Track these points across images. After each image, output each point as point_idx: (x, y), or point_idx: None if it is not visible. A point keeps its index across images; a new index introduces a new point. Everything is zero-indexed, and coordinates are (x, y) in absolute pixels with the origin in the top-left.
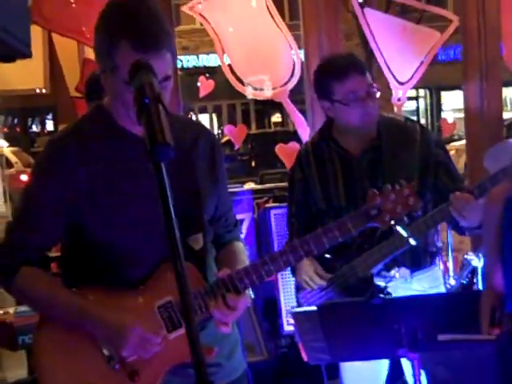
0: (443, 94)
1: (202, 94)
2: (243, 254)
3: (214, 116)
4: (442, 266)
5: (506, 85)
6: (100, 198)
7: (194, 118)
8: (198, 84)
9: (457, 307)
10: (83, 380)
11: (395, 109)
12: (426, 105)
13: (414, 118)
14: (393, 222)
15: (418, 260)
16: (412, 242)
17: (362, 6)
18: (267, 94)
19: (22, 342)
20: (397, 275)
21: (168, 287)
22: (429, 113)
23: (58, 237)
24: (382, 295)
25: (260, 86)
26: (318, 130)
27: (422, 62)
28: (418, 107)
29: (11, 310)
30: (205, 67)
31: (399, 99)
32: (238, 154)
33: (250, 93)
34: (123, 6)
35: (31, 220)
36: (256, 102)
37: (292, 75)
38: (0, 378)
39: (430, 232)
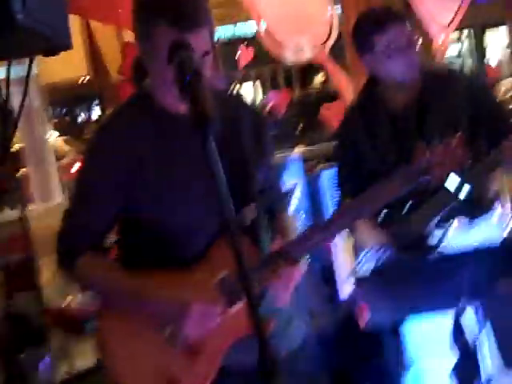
0: (487, 33)
1: (242, 63)
2: (293, 224)
3: (257, 83)
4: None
5: None
6: (151, 178)
7: (237, 87)
8: (238, 53)
9: None
10: (148, 363)
11: (438, 54)
12: (470, 46)
13: (459, 61)
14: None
15: (474, 208)
16: (466, 188)
17: None
18: (307, 55)
19: (88, 329)
20: (455, 224)
21: (224, 262)
22: (474, 55)
23: (114, 220)
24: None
25: (299, 47)
26: (362, 88)
27: (462, 2)
28: (461, 49)
29: (76, 298)
30: (242, 37)
31: (442, 43)
32: (285, 119)
33: (290, 56)
34: None
35: (87, 204)
36: (298, 65)
37: (330, 32)
38: (68, 365)
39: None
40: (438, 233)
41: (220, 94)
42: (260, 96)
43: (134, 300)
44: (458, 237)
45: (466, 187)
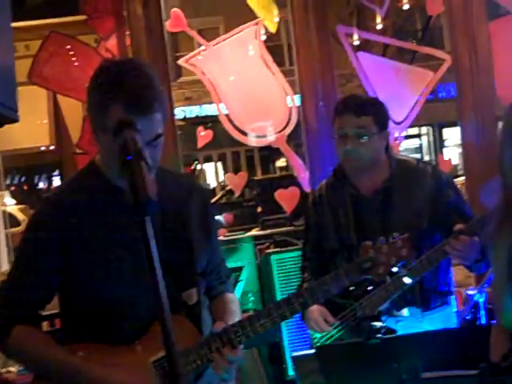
0: (445, 130)
1: (200, 144)
2: (236, 305)
3: (219, 164)
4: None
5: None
6: (89, 253)
7: (198, 167)
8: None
9: (458, 342)
10: None
11: (395, 148)
12: (429, 142)
13: (418, 155)
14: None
15: (427, 299)
16: (407, 281)
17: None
18: (270, 139)
19: None
20: (406, 314)
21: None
22: (432, 149)
23: (52, 291)
24: (379, 335)
25: (262, 132)
26: (332, 171)
27: (416, 102)
28: (420, 144)
29: (13, 369)
30: (207, 116)
31: (396, 139)
32: (244, 201)
33: (252, 140)
34: (115, 68)
35: (24, 278)
36: (260, 148)
37: (289, 121)
38: None
39: (439, 270)
40: (390, 319)
41: (171, 174)
42: (221, 177)
43: (66, 377)
44: (411, 326)
45: (407, 277)
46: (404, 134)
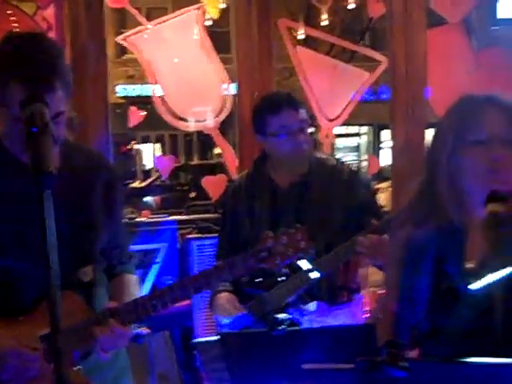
0: (384, 131)
1: (131, 123)
2: (134, 286)
3: (157, 146)
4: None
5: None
6: None
7: (136, 147)
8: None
9: (361, 338)
10: None
11: (324, 145)
12: (368, 141)
13: (356, 154)
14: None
15: (334, 295)
16: (315, 275)
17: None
18: (208, 124)
19: None
20: (313, 309)
21: None
22: (371, 149)
23: None
24: (283, 326)
25: (202, 117)
26: (253, 163)
27: (350, 101)
28: (359, 143)
29: None
30: (149, 96)
31: (327, 136)
32: (178, 185)
33: (187, 125)
34: (17, 43)
35: None
36: (199, 133)
37: (223, 108)
38: None
39: (348, 268)
40: (296, 313)
41: (80, 149)
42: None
43: None
44: (316, 320)
45: (315, 271)
46: (344, 132)
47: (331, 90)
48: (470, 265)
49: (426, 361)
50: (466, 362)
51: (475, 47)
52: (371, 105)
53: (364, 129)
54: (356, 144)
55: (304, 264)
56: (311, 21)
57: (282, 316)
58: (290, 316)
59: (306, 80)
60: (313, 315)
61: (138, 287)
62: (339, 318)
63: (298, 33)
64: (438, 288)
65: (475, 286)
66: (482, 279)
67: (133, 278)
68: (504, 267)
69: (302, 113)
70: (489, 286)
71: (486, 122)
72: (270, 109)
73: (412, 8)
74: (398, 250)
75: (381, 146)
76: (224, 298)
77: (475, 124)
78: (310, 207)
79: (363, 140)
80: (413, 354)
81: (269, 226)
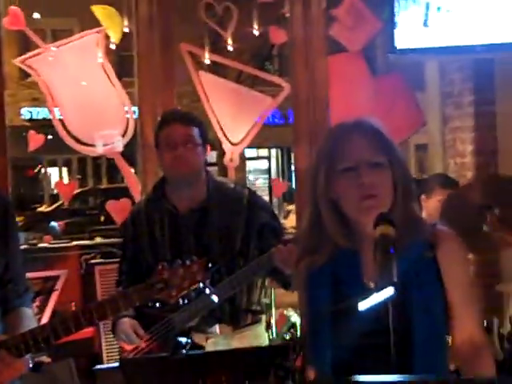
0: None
1: (31, 147)
2: (30, 320)
3: (64, 169)
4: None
5: None
6: None
7: (42, 171)
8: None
9: (261, 360)
10: None
11: (229, 170)
12: (278, 164)
13: (266, 176)
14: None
15: (237, 317)
16: (215, 299)
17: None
18: (99, 151)
19: None
20: (217, 331)
21: None
22: (280, 172)
23: None
24: (184, 350)
25: (110, 141)
26: (152, 188)
27: (254, 125)
28: (269, 166)
29: None
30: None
31: (231, 159)
32: (88, 209)
33: (83, 149)
34: None
35: None
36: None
37: (126, 132)
38: None
39: (252, 290)
40: (200, 336)
41: None
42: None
43: None
44: (221, 343)
45: (214, 295)
46: (255, 155)
47: (234, 114)
48: (370, 284)
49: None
50: (360, 382)
51: (374, 74)
52: (281, 128)
53: (274, 151)
54: (267, 167)
55: (206, 288)
56: (218, 46)
57: (183, 339)
58: (195, 340)
59: (209, 104)
60: (217, 338)
61: (34, 321)
62: (243, 341)
63: (205, 58)
64: (335, 309)
65: (363, 305)
66: (369, 299)
67: (28, 312)
68: (387, 287)
69: (192, 130)
70: (379, 305)
71: (353, 148)
72: (160, 123)
73: (312, 35)
74: (300, 281)
75: (292, 168)
76: (126, 323)
77: (342, 152)
78: (210, 232)
79: (273, 163)
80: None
81: (170, 250)
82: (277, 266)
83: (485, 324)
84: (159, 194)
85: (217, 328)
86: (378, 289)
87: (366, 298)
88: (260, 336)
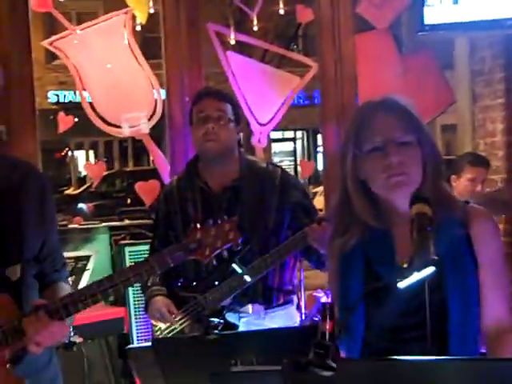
0: (320, 136)
1: (60, 129)
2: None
3: (90, 152)
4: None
5: None
6: None
7: (69, 153)
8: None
9: (296, 340)
10: None
11: (257, 150)
12: (303, 146)
13: (292, 159)
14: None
15: (270, 297)
16: (248, 279)
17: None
18: (144, 130)
19: None
20: (250, 311)
21: None
22: (306, 154)
23: None
24: (216, 331)
25: (136, 123)
26: (185, 166)
27: (281, 105)
28: (295, 148)
29: None
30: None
31: (259, 140)
32: (114, 192)
33: (119, 130)
34: None
35: None
36: (134, 138)
37: (154, 113)
38: None
39: (284, 270)
40: (233, 315)
41: (6, 159)
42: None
43: None
44: (253, 322)
45: (248, 275)
46: (280, 136)
47: (262, 94)
48: (403, 264)
49: (354, 360)
50: (395, 360)
51: (403, 51)
52: (306, 109)
53: (300, 133)
54: (292, 149)
55: (238, 267)
56: (243, 26)
57: (216, 320)
58: (228, 319)
59: (237, 85)
60: (250, 317)
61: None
62: (276, 320)
63: (231, 37)
64: (370, 289)
65: (402, 284)
66: (409, 278)
67: (66, 287)
68: (427, 266)
69: (225, 105)
70: (415, 284)
71: (380, 127)
72: (194, 99)
73: (339, 14)
74: (333, 262)
75: (318, 150)
76: (159, 301)
77: (369, 132)
78: (243, 210)
79: (299, 144)
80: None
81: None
82: (311, 244)
83: None
84: (192, 171)
85: (249, 307)
86: (414, 268)
87: (401, 277)
88: (292, 316)
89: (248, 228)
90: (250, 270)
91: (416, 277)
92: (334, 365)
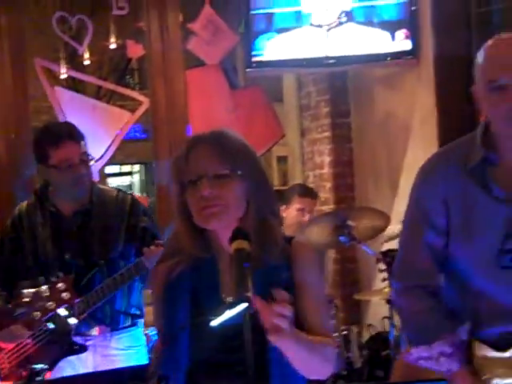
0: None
1: None
2: None
3: None
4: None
5: None
6: None
7: None
8: None
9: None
10: None
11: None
12: (141, 179)
13: (129, 193)
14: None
15: (117, 320)
16: (71, 321)
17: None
18: None
19: None
20: (95, 333)
21: None
22: (144, 187)
23: None
24: (38, 378)
25: None
26: (34, 191)
27: (113, 140)
28: (132, 182)
29: None
30: None
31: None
32: None
33: None
34: None
35: None
36: None
37: None
38: None
39: (131, 293)
40: (79, 338)
41: None
42: None
43: None
44: (99, 344)
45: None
46: (117, 171)
47: (92, 130)
48: (227, 298)
49: None
50: None
51: (233, 87)
52: (143, 143)
53: (137, 167)
54: (129, 183)
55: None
56: (77, 59)
57: (39, 366)
58: (46, 366)
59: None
60: (96, 340)
61: None
62: (122, 342)
63: (61, 72)
64: (192, 322)
65: (215, 322)
66: (223, 315)
67: None
68: (241, 303)
69: (83, 145)
70: (236, 320)
71: (196, 161)
72: (51, 141)
73: (169, 49)
74: (157, 287)
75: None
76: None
77: (187, 165)
78: (92, 234)
79: (136, 178)
80: None
81: (52, 250)
82: (147, 266)
83: (344, 333)
84: (41, 197)
85: (96, 329)
86: (233, 304)
87: (221, 312)
88: (139, 338)
89: (97, 251)
90: (83, 303)
91: (229, 314)
92: None
